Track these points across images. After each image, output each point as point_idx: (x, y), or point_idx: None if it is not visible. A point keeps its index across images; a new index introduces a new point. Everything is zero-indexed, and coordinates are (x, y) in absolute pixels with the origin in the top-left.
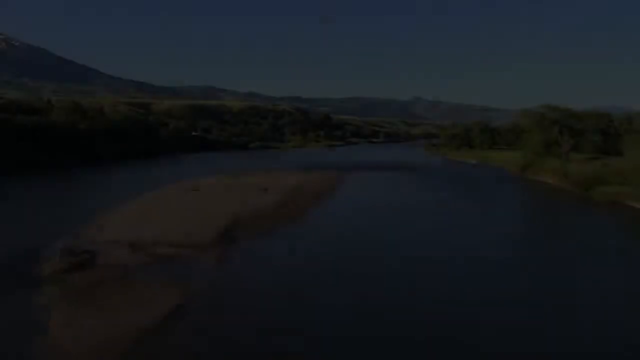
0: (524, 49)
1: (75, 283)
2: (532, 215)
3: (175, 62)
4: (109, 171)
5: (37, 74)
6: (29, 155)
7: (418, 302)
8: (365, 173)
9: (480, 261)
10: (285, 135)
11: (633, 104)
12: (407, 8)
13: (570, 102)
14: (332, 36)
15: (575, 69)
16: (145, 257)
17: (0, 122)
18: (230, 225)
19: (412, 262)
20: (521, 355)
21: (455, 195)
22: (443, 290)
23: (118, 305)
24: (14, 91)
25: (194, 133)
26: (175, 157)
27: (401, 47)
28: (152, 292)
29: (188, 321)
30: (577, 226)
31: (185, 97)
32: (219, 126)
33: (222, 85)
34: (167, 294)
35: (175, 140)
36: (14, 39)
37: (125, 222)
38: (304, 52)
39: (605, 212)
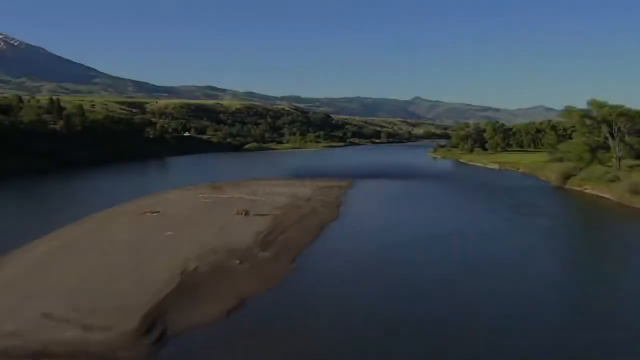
0: (524, 49)
1: None
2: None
3: (176, 62)
4: (78, 179)
5: (36, 73)
6: None
7: None
8: (375, 183)
9: None
10: (284, 136)
11: (634, 105)
12: (406, 8)
13: (571, 102)
14: (332, 36)
15: (575, 69)
16: None
17: None
18: (173, 291)
19: None
20: None
21: (504, 222)
22: None
23: None
24: (13, 91)
25: (186, 133)
26: (162, 160)
27: (401, 47)
28: None
29: None
30: None
31: (185, 97)
32: (214, 126)
33: (222, 85)
34: None
35: (164, 142)
36: (13, 39)
37: (18, 276)
38: (304, 52)
39: None
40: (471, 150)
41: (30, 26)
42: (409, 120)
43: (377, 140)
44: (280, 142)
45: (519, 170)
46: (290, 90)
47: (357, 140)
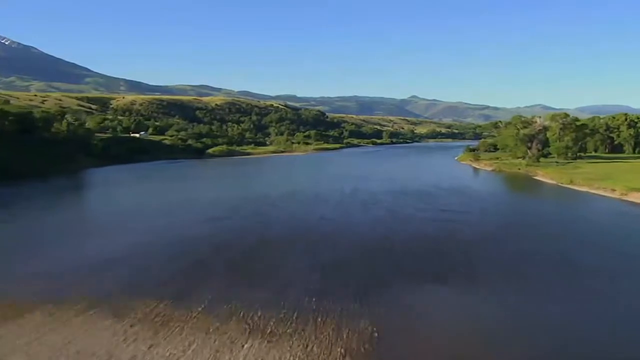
0: (522, 48)
1: None
2: None
3: (172, 62)
4: None
5: (27, 72)
6: None
7: None
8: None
9: None
10: (270, 136)
11: (632, 105)
12: (404, 8)
13: (569, 101)
14: (329, 35)
15: (574, 68)
16: None
17: None
18: None
19: None
20: None
21: None
22: None
23: None
24: (1, 90)
25: (142, 133)
26: (70, 177)
27: (398, 46)
28: None
29: None
30: None
31: (176, 96)
32: (182, 126)
33: (217, 85)
34: None
35: (86, 147)
36: (5, 38)
37: None
38: (300, 51)
39: None
40: (538, 159)
41: (23, 26)
42: (409, 119)
43: (378, 141)
44: (262, 144)
45: None
46: (287, 89)
47: (355, 141)
